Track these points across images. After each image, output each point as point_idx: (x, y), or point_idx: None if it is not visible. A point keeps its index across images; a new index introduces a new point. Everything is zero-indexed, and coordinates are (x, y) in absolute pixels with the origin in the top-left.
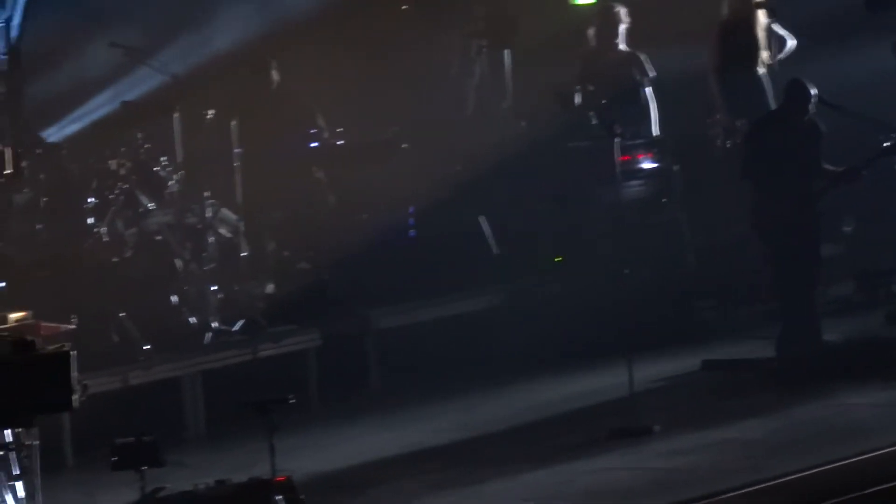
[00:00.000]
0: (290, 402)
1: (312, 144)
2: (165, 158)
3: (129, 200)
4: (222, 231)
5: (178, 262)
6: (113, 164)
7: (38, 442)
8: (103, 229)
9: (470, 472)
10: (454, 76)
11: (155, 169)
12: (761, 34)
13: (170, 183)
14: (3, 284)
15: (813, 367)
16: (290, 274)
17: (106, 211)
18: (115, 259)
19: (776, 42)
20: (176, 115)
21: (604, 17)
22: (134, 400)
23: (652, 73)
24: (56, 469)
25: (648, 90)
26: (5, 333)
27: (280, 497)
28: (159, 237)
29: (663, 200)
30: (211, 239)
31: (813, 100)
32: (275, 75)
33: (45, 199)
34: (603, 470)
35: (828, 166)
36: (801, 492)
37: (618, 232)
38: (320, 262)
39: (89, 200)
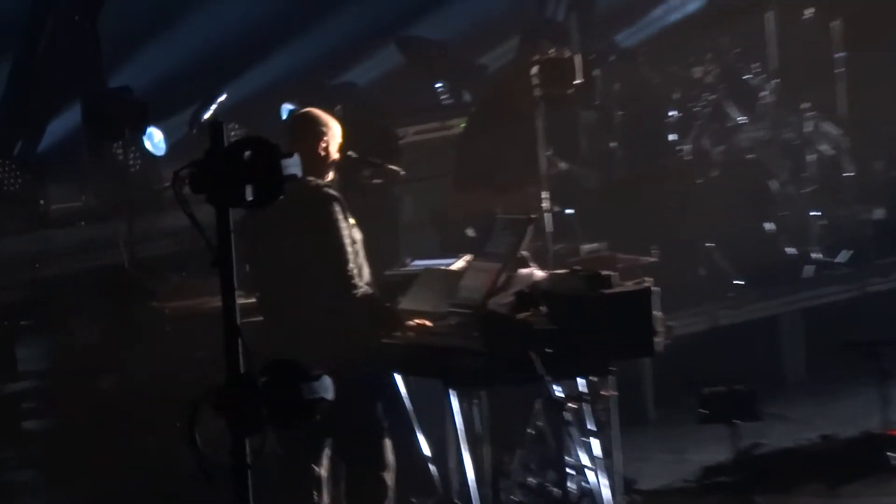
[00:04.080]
0: None
1: None
2: (757, 65)
3: (717, 113)
4: (823, 147)
5: (774, 184)
6: (698, 71)
7: (615, 393)
8: (687, 147)
9: None
10: None
11: (745, 77)
12: None
13: (762, 93)
14: (572, 211)
15: None
16: None
17: (690, 126)
18: (700, 181)
19: None
20: (769, 14)
21: None
22: (724, 343)
23: None
24: (636, 423)
25: None
26: (577, 267)
27: (894, 454)
28: (751, 155)
29: None
30: (810, 157)
31: None
32: None
33: (619, 114)
34: None
35: None
36: None
37: None
38: None
39: (670, 114)
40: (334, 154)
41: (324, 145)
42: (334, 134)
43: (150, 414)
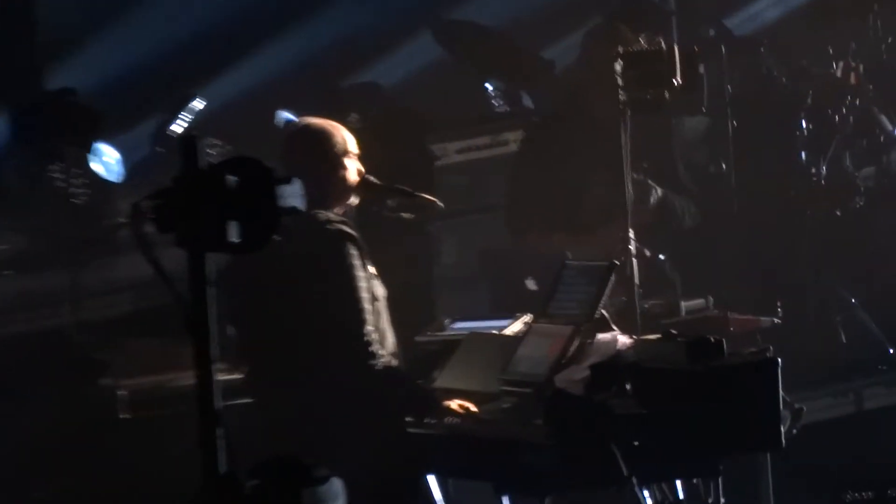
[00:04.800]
0: None
1: None
2: None
3: (863, 124)
4: None
5: None
6: (838, 68)
7: (724, 501)
8: (823, 169)
9: None
10: None
11: None
12: None
13: None
14: (663, 257)
15: None
16: None
17: (827, 141)
18: (839, 213)
19: None
20: None
21: None
22: (872, 432)
23: None
24: None
25: None
26: (675, 331)
27: None
28: None
29: None
30: None
31: None
32: None
33: (732, 124)
34: None
35: None
36: None
37: None
38: None
39: (802, 125)
40: (348, 179)
41: (332, 167)
42: (346, 151)
43: None
